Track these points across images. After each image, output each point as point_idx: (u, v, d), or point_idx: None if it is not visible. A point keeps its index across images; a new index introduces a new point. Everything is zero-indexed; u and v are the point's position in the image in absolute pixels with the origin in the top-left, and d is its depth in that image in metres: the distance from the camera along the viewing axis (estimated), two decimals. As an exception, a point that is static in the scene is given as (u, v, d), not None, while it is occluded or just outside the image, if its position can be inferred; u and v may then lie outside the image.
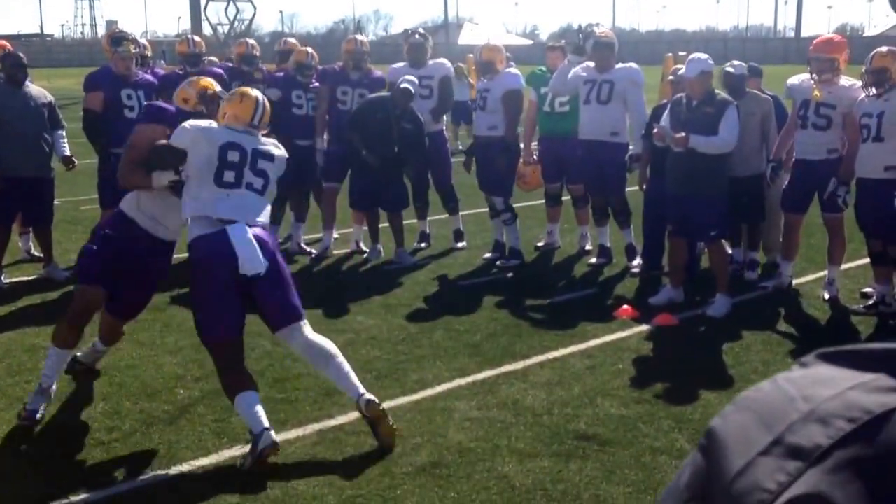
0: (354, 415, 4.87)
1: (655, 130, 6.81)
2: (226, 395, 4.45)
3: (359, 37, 9.15)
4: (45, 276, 7.73)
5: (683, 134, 6.49)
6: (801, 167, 7.05)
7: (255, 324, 6.42)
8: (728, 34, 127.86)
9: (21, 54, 7.80)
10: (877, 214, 6.53)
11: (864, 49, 8.62)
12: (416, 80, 8.29)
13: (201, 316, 4.55)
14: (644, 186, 7.73)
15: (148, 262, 4.99)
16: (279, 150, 4.95)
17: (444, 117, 9.29)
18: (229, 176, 4.60)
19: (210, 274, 4.47)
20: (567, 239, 9.10)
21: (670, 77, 7.85)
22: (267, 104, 4.94)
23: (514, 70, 8.49)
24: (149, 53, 9.42)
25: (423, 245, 9.00)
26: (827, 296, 7.09)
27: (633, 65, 7.97)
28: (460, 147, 15.25)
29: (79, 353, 5.35)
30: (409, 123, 8.13)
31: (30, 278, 7.84)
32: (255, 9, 51.56)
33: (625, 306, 6.81)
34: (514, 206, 8.45)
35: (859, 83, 6.77)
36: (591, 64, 7.86)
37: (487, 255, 8.53)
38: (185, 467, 4.30)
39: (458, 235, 9.04)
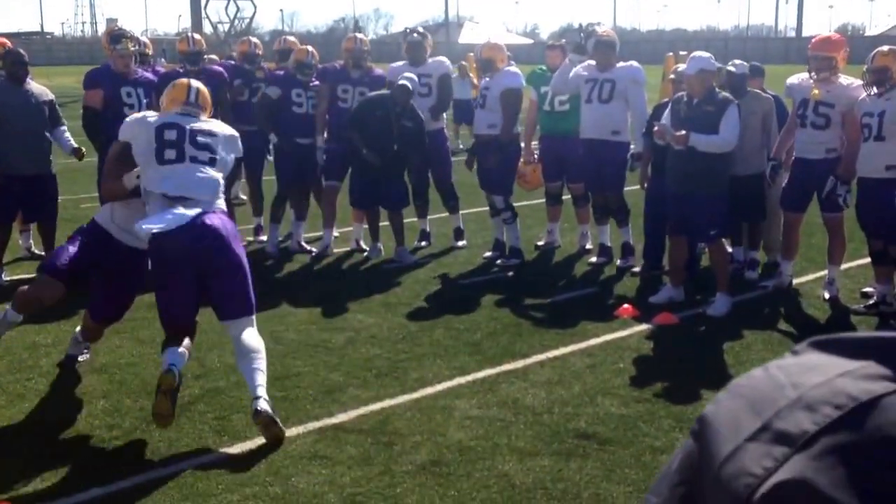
0: (355, 413, 4.89)
1: (656, 128, 6.81)
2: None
3: (359, 35, 9.15)
4: None
5: (684, 132, 6.49)
6: (800, 166, 7.05)
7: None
8: (729, 34, 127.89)
9: (22, 51, 7.79)
10: (878, 214, 6.53)
11: (866, 49, 8.63)
12: (415, 77, 8.29)
13: (158, 300, 4.78)
14: (645, 185, 7.73)
15: (123, 270, 5.16)
16: (224, 128, 5.04)
17: (445, 116, 9.29)
18: (170, 154, 4.73)
19: (165, 263, 4.64)
20: (567, 238, 9.11)
21: (671, 76, 7.85)
22: (201, 87, 5.10)
23: (513, 69, 8.49)
24: (149, 51, 9.43)
25: (423, 244, 9.00)
26: (827, 295, 7.09)
27: (634, 63, 7.96)
28: (461, 146, 15.26)
29: (68, 352, 5.60)
30: (409, 121, 8.13)
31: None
32: (255, 7, 51.55)
33: (625, 305, 6.82)
34: (515, 205, 8.45)
35: (858, 82, 6.78)
36: (593, 63, 7.86)
37: (488, 253, 8.53)
38: (185, 465, 4.30)
39: (459, 234, 9.05)
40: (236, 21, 50.97)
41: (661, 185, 7.07)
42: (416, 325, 6.46)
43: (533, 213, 9.87)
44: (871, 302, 6.85)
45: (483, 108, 8.34)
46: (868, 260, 7.15)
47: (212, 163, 4.79)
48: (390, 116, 8.05)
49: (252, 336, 4.73)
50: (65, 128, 7.99)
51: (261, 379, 4.61)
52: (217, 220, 4.64)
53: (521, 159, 8.56)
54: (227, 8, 51.24)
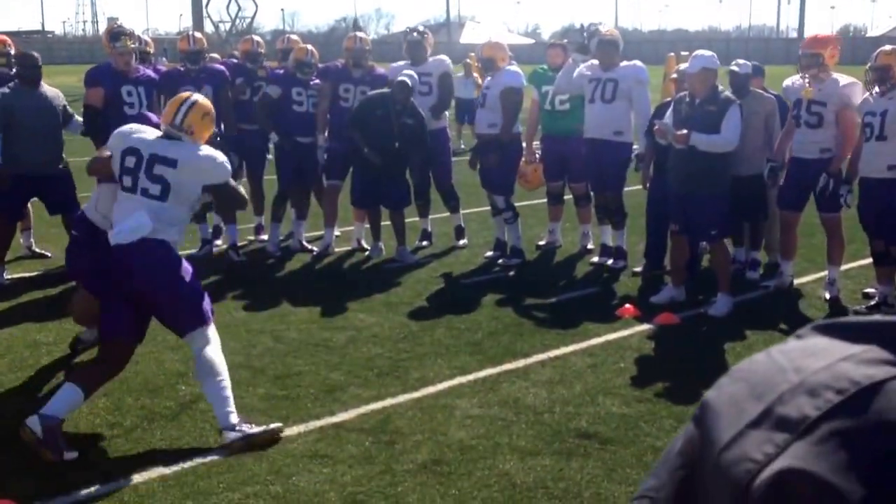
0: (356, 412, 4.88)
1: (657, 127, 6.80)
2: (76, 377, 4.52)
3: (360, 34, 9.14)
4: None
5: (685, 131, 6.48)
6: (796, 165, 7.06)
7: (257, 321, 6.44)
8: (730, 34, 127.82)
9: (36, 54, 7.82)
10: (880, 214, 6.53)
11: (867, 50, 8.63)
12: (414, 74, 8.29)
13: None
14: (647, 185, 7.73)
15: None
16: (195, 156, 4.73)
17: (447, 115, 9.28)
18: (127, 181, 4.70)
19: (110, 279, 4.68)
20: (569, 238, 9.10)
21: (673, 75, 7.84)
22: (196, 106, 4.82)
23: (514, 68, 8.48)
24: (151, 50, 9.42)
25: (424, 243, 9.00)
26: (827, 296, 7.09)
27: (638, 62, 7.94)
28: (462, 146, 15.23)
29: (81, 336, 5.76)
30: (410, 118, 8.12)
31: (31, 274, 7.85)
32: (256, 6, 51.52)
33: (627, 305, 6.81)
34: (516, 204, 8.45)
35: (851, 79, 6.84)
36: (597, 62, 7.85)
37: (489, 253, 8.53)
38: (186, 463, 4.30)
39: (460, 233, 9.04)
40: (237, 20, 50.94)
41: (663, 184, 7.06)
42: (417, 325, 6.46)
43: (534, 213, 9.87)
44: (872, 303, 6.85)
45: (483, 107, 8.34)
46: (870, 261, 7.15)
47: (162, 197, 4.66)
48: (391, 115, 8.05)
49: (208, 355, 4.60)
50: (77, 117, 8.03)
51: (223, 406, 4.51)
52: (139, 255, 4.56)
53: (523, 159, 8.56)
54: (228, 7, 51.17)
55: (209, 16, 50.90)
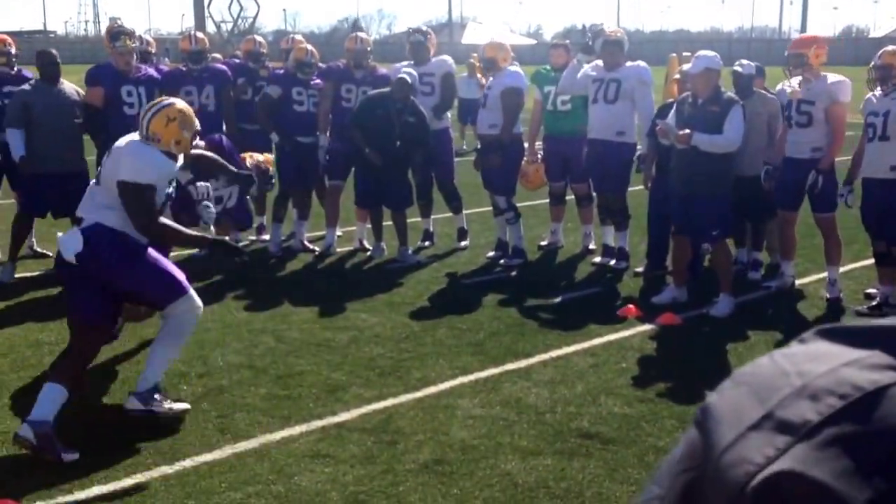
0: (358, 412, 4.89)
1: (659, 127, 6.79)
2: (54, 375, 4.55)
3: (361, 35, 9.13)
4: None
5: (687, 131, 6.48)
6: (789, 165, 7.08)
7: (259, 321, 6.44)
8: (733, 35, 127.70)
9: (54, 51, 7.91)
10: (882, 215, 6.53)
11: (870, 50, 8.64)
12: (413, 72, 8.29)
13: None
14: (649, 185, 7.73)
15: None
16: (125, 150, 4.74)
17: (450, 115, 9.28)
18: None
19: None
20: (571, 238, 9.10)
21: (676, 75, 7.84)
22: (165, 109, 4.80)
23: (516, 68, 8.48)
24: (153, 50, 9.43)
25: (426, 243, 9.00)
26: (828, 296, 7.08)
27: (642, 63, 7.93)
28: (465, 147, 15.22)
29: None
30: (411, 116, 8.12)
31: (33, 274, 7.85)
32: (258, 6, 51.57)
33: (628, 305, 6.81)
34: (518, 204, 8.45)
35: (840, 78, 6.90)
36: (601, 63, 7.84)
37: (491, 253, 8.53)
38: (188, 463, 4.30)
39: (462, 234, 9.04)
40: (239, 20, 51.01)
41: (665, 185, 7.06)
42: (419, 325, 6.46)
43: (536, 213, 9.87)
44: (874, 303, 6.85)
45: (485, 107, 8.34)
46: (872, 261, 7.15)
47: (97, 179, 4.84)
48: (391, 114, 8.05)
49: (179, 320, 4.73)
50: None
51: (154, 372, 4.71)
52: (91, 247, 4.58)
53: (525, 159, 8.55)
54: (230, 7, 51.27)
55: (211, 16, 50.95)
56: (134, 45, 7.90)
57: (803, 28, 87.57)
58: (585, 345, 6.04)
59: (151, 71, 8.15)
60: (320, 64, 8.91)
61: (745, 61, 7.54)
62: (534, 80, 8.59)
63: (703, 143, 6.45)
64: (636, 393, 5.18)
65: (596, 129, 7.86)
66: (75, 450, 4.35)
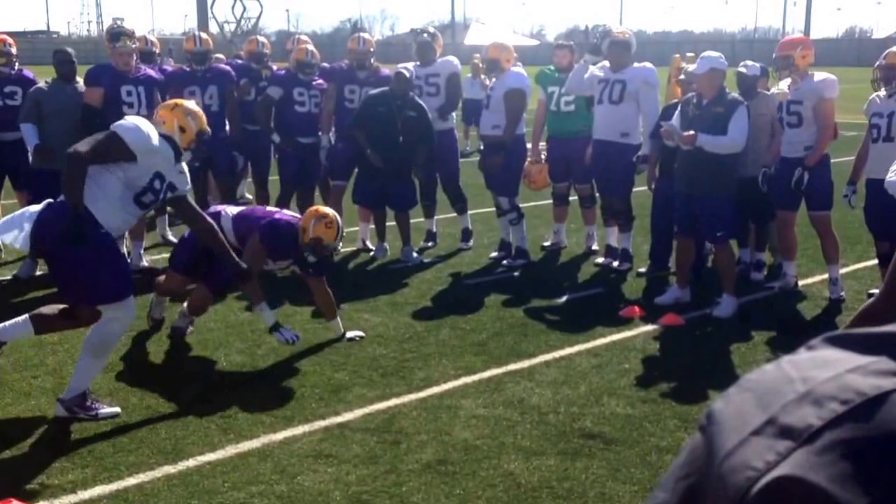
0: (361, 412, 4.89)
1: (663, 129, 6.79)
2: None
3: (364, 35, 9.14)
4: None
5: (692, 132, 6.47)
6: (784, 165, 7.09)
7: (261, 321, 6.43)
8: (736, 36, 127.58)
9: (70, 50, 8.03)
10: (886, 216, 6.51)
11: (873, 51, 8.65)
12: (410, 67, 8.31)
13: None
14: (652, 186, 7.71)
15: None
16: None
17: (454, 117, 9.28)
18: None
19: None
20: (574, 239, 9.10)
21: (681, 76, 7.84)
22: (184, 102, 5.21)
23: (519, 69, 8.47)
24: (157, 50, 9.44)
25: (429, 244, 9.00)
26: (830, 296, 7.07)
27: (648, 64, 7.91)
28: (468, 148, 15.22)
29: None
30: (411, 111, 8.12)
31: (36, 274, 7.85)
32: (261, 7, 51.65)
33: (632, 306, 6.81)
34: (521, 205, 8.45)
35: (829, 76, 6.93)
36: (608, 63, 7.84)
37: (494, 254, 8.53)
38: (191, 462, 4.30)
39: (467, 235, 9.04)
40: (242, 21, 51.04)
41: (669, 186, 7.05)
42: (421, 325, 6.46)
43: (539, 214, 9.87)
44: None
45: (488, 108, 8.33)
46: (875, 262, 7.14)
47: None
48: (392, 109, 8.06)
49: (102, 332, 4.78)
50: None
51: (81, 381, 4.75)
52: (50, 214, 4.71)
53: (528, 159, 8.55)
54: (233, 7, 51.31)
55: (214, 16, 51.01)
56: (134, 45, 7.92)
57: (807, 29, 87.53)
58: (588, 345, 6.04)
59: (151, 71, 8.16)
60: (324, 64, 8.92)
61: (749, 62, 7.53)
62: (538, 80, 8.59)
63: (707, 144, 6.45)
64: (639, 393, 5.18)
65: (600, 130, 7.85)
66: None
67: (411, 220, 8.48)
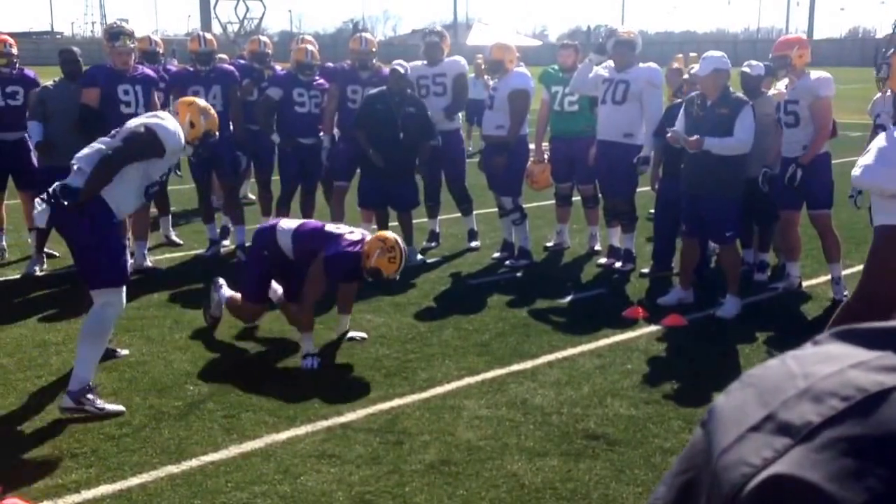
0: (364, 412, 4.88)
1: (669, 134, 6.76)
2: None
3: (365, 35, 9.14)
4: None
5: (697, 137, 6.45)
6: (785, 165, 7.08)
7: (265, 322, 6.43)
8: (738, 36, 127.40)
9: (75, 49, 8.17)
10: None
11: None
12: (404, 63, 8.32)
13: None
14: (656, 187, 7.70)
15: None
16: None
17: (459, 116, 9.27)
18: None
19: None
20: (577, 239, 9.09)
21: (685, 76, 7.83)
22: (201, 102, 5.44)
23: (522, 69, 8.47)
24: (161, 50, 9.44)
25: (432, 244, 8.99)
26: (833, 296, 7.06)
27: (653, 64, 7.89)
28: (471, 148, 15.21)
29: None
30: (411, 107, 8.12)
31: (40, 273, 7.87)
32: (264, 7, 51.67)
33: (635, 307, 6.80)
34: (524, 205, 8.44)
35: (824, 75, 6.95)
36: (613, 63, 7.83)
37: (497, 254, 8.52)
38: (194, 462, 4.30)
39: (472, 235, 9.04)
40: (245, 21, 51.09)
41: (673, 187, 7.04)
42: (425, 325, 6.46)
43: (542, 214, 9.86)
44: (881, 304, 6.82)
45: (491, 109, 8.33)
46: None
47: None
48: (391, 107, 8.06)
49: (101, 316, 4.88)
50: None
51: (85, 371, 4.82)
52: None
53: (531, 159, 8.54)
54: (236, 8, 51.37)
55: (217, 17, 51.03)
56: (133, 44, 7.92)
57: (810, 29, 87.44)
58: (591, 346, 6.03)
59: (148, 70, 8.16)
60: (328, 64, 8.91)
61: (753, 62, 7.51)
62: (541, 80, 8.58)
63: (714, 147, 6.43)
64: (642, 394, 5.17)
65: (604, 131, 7.84)
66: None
67: (414, 221, 8.48)
